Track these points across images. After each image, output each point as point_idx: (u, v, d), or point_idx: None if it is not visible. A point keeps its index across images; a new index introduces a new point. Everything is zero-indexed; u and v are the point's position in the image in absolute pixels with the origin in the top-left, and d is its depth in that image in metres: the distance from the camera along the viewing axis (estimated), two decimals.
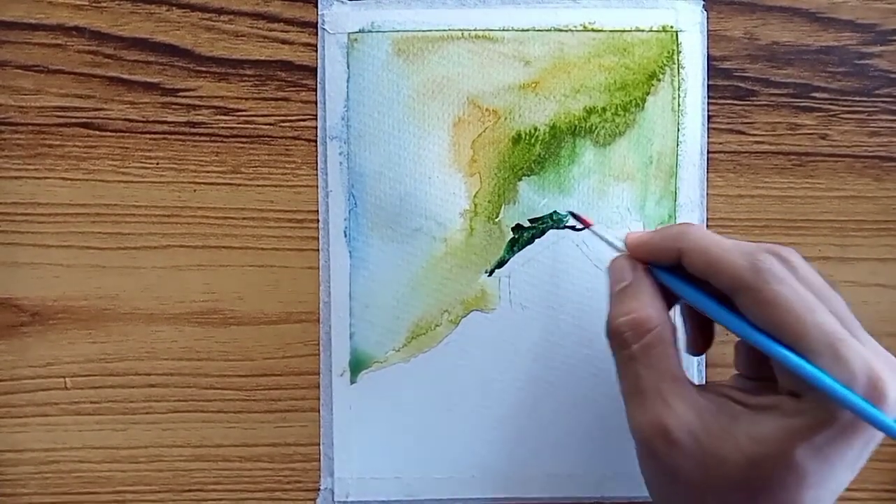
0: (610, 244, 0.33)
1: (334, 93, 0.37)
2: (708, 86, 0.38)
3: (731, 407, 0.28)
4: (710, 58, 0.38)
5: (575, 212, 0.36)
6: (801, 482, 0.27)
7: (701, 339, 0.33)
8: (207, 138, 0.38)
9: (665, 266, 0.31)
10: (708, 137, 0.38)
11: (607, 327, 0.31)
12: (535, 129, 0.37)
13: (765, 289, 0.27)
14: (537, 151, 0.37)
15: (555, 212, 0.37)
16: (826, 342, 0.26)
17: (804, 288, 0.27)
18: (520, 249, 0.37)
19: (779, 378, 0.28)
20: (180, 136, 0.38)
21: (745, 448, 0.27)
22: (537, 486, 0.38)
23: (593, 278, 0.37)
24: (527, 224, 0.37)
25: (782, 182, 0.38)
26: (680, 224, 0.31)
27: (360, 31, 0.37)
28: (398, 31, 0.37)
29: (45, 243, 0.38)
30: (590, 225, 0.34)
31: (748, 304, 0.28)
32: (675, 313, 0.33)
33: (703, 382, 0.38)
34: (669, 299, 0.31)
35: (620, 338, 0.30)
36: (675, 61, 0.37)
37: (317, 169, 0.38)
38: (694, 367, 0.38)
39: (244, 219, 0.38)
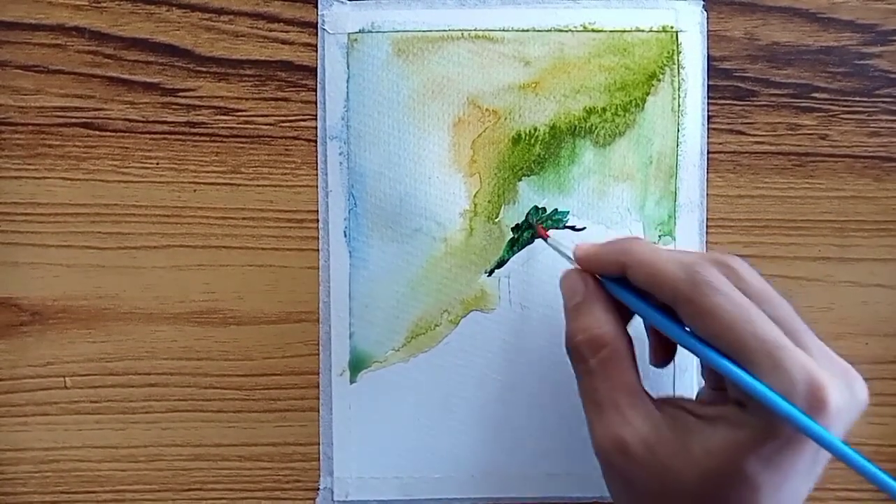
0: (564, 255, 0.33)
1: (334, 93, 0.37)
2: (708, 86, 0.38)
3: (685, 419, 0.28)
4: (710, 58, 0.38)
5: (532, 222, 0.37)
6: (754, 494, 0.27)
7: (662, 350, 0.34)
8: (207, 138, 0.38)
9: (614, 278, 0.31)
10: (708, 138, 0.38)
11: (566, 343, 0.31)
12: (535, 130, 0.37)
13: (702, 300, 0.27)
14: (537, 152, 0.37)
15: (555, 210, 0.37)
16: (764, 351, 0.26)
17: (743, 297, 0.27)
18: (520, 249, 0.37)
19: (727, 386, 0.28)
20: (180, 137, 0.38)
21: (699, 460, 0.27)
22: (537, 486, 0.38)
23: None
24: (522, 221, 0.37)
25: (782, 182, 0.38)
26: (626, 238, 0.32)
27: (360, 32, 0.37)
28: (398, 31, 0.37)
29: (45, 243, 0.38)
30: (546, 237, 0.35)
31: (688, 315, 0.28)
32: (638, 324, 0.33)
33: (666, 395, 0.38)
34: (625, 311, 0.32)
35: (578, 354, 0.31)
36: (675, 61, 0.37)
37: (317, 169, 0.38)
38: (694, 370, 0.38)
39: (244, 219, 0.38)
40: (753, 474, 0.26)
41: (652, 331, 0.34)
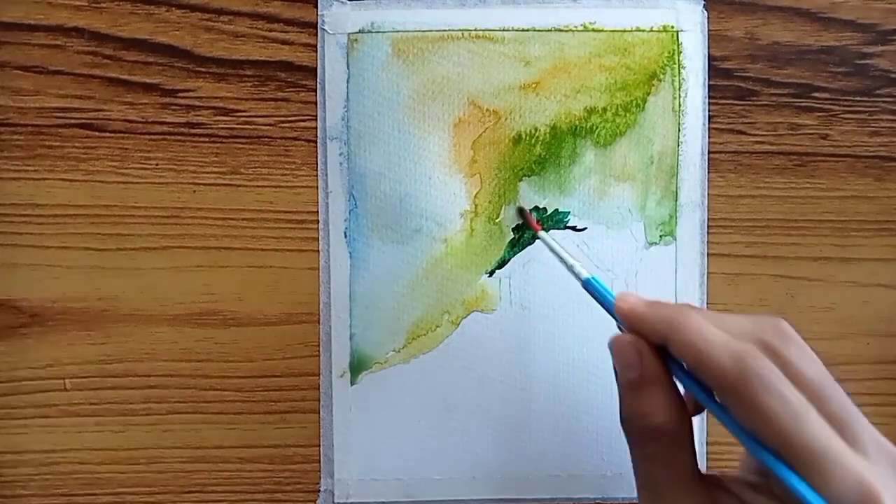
0: (556, 255, 0.33)
1: (334, 93, 0.37)
2: (709, 86, 0.38)
3: None
4: (710, 58, 0.38)
5: (527, 212, 0.36)
6: None
7: (694, 403, 0.32)
8: (207, 139, 0.38)
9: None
10: (709, 137, 0.38)
11: (622, 420, 0.30)
12: (536, 130, 0.37)
13: (750, 398, 0.26)
14: (538, 152, 0.37)
15: (556, 210, 0.37)
16: (814, 457, 0.25)
17: (794, 393, 0.26)
18: (520, 250, 0.37)
19: (772, 481, 0.27)
20: (180, 137, 0.37)
21: None
22: (537, 486, 0.38)
23: None
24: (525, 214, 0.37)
25: (783, 182, 0.38)
26: (676, 307, 0.30)
27: (359, 32, 0.37)
28: (398, 31, 0.37)
29: (45, 244, 0.37)
30: (537, 230, 0.35)
31: (734, 408, 0.27)
32: None
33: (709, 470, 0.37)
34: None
35: (636, 438, 0.29)
36: (676, 61, 0.37)
37: (317, 169, 0.38)
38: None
39: (244, 220, 0.38)
40: None
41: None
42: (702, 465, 0.38)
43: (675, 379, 0.29)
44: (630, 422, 0.29)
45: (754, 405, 0.26)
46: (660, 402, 0.29)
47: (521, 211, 0.37)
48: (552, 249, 0.34)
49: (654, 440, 0.28)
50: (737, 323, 0.28)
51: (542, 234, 0.35)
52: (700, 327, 0.28)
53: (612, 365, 0.30)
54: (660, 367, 0.29)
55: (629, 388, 0.29)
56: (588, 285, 0.32)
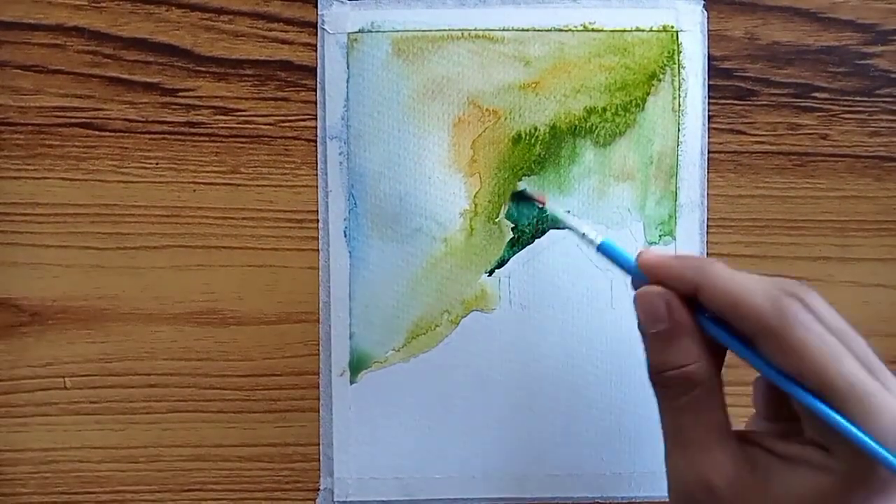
0: (570, 227, 0.32)
1: (334, 93, 0.37)
2: (708, 86, 0.38)
3: (766, 459, 0.28)
4: (710, 58, 0.38)
5: (528, 190, 0.36)
6: None
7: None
8: (207, 138, 0.38)
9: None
10: (708, 137, 0.38)
11: (651, 373, 0.29)
12: (536, 129, 0.37)
13: (790, 335, 0.26)
14: (537, 151, 0.37)
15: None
16: (854, 394, 0.25)
17: (830, 335, 0.26)
18: (520, 249, 0.37)
19: (805, 425, 0.27)
20: (180, 137, 0.37)
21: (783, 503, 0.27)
22: (537, 486, 0.38)
23: (594, 278, 0.37)
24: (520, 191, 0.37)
25: (783, 182, 0.38)
26: (700, 258, 0.30)
27: (359, 31, 0.37)
28: (398, 31, 0.37)
29: (45, 243, 0.37)
30: (543, 203, 0.35)
31: (772, 349, 0.27)
32: None
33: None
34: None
35: (667, 389, 0.29)
36: (676, 61, 0.37)
37: (316, 169, 0.38)
38: None
39: (244, 219, 0.38)
40: None
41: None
42: None
43: (713, 338, 0.29)
44: (660, 374, 0.29)
45: (794, 345, 0.26)
46: (692, 351, 0.28)
47: (521, 193, 0.37)
48: (562, 219, 0.33)
49: (687, 390, 0.28)
50: (757, 277, 0.28)
51: (550, 204, 0.35)
52: (732, 274, 0.28)
53: (635, 324, 0.30)
54: (689, 317, 0.29)
55: (659, 339, 0.29)
56: (604, 249, 0.31)
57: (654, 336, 0.29)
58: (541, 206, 0.36)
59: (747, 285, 0.27)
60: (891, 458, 0.25)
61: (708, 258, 0.30)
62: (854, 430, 0.25)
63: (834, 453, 0.26)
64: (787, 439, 0.28)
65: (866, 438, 0.25)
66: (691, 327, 0.29)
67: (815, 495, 0.26)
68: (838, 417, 0.25)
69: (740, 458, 0.28)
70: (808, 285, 0.28)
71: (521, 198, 0.37)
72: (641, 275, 0.30)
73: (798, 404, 0.27)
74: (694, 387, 0.28)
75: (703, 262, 0.29)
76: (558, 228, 0.37)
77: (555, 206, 0.35)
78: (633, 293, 0.30)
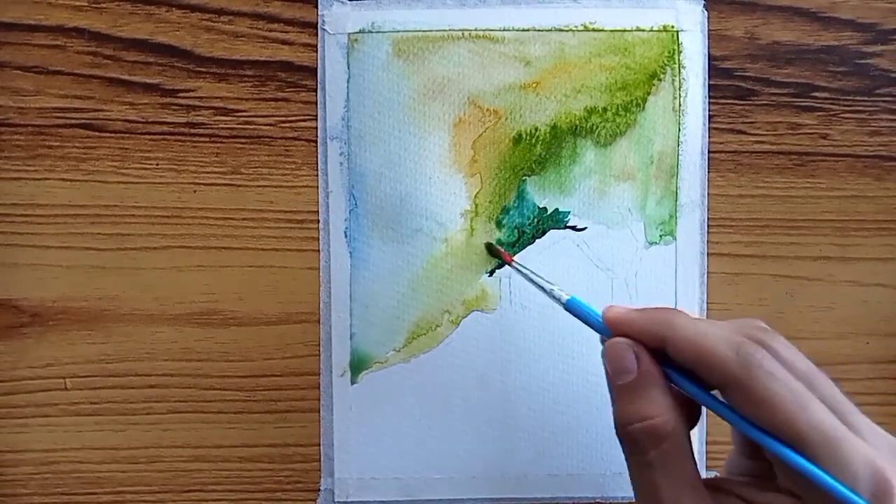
0: (535, 284, 0.33)
1: (334, 93, 0.37)
2: (709, 85, 0.38)
3: None
4: (710, 57, 0.38)
5: (494, 246, 0.37)
6: None
7: (688, 417, 0.31)
8: (207, 139, 0.38)
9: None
10: (709, 137, 0.38)
11: (617, 427, 0.29)
12: (536, 130, 0.37)
13: (756, 386, 0.26)
14: (538, 151, 0.37)
15: (556, 209, 0.37)
16: (824, 441, 0.25)
17: (796, 382, 0.26)
18: (520, 249, 0.37)
19: (777, 473, 0.27)
20: (180, 137, 0.37)
21: None
22: (537, 486, 0.38)
23: (594, 278, 0.37)
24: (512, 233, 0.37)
25: (783, 182, 0.38)
26: (665, 309, 0.29)
27: (360, 32, 0.37)
28: (398, 31, 0.37)
29: (45, 244, 0.37)
30: (510, 261, 0.35)
31: (740, 400, 0.27)
32: None
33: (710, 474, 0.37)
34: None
35: (633, 444, 0.28)
36: (676, 61, 0.37)
37: (317, 169, 0.38)
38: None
39: (244, 219, 0.38)
40: None
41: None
42: (701, 465, 0.38)
43: (680, 389, 0.29)
44: (627, 427, 0.28)
45: (760, 394, 0.26)
46: (659, 404, 0.28)
47: (489, 247, 0.37)
48: (528, 278, 0.33)
49: (655, 444, 0.28)
50: (721, 324, 0.28)
51: (515, 263, 0.35)
52: (695, 325, 0.28)
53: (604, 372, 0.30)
54: (656, 368, 0.28)
55: (626, 392, 0.29)
56: (571, 306, 0.31)
57: (621, 388, 0.29)
58: (507, 263, 0.36)
59: (711, 335, 0.27)
60: (863, 503, 0.24)
61: (672, 309, 0.30)
62: (826, 477, 0.25)
63: (806, 502, 0.26)
64: (761, 487, 0.28)
65: (838, 486, 0.24)
66: (659, 378, 0.28)
67: None
68: (810, 466, 0.25)
69: None
70: (769, 328, 0.28)
71: (489, 251, 0.37)
72: (608, 331, 0.30)
73: (769, 453, 0.26)
74: (662, 440, 0.28)
75: (667, 315, 0.29)
76: (558, 229, 0.37)
77: (519, 265, 0.34)
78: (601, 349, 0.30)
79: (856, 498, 0.24)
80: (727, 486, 0.29)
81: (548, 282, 0.33)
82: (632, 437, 0.28)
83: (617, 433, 0.29)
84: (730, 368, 0.26)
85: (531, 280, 0.33)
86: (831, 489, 0.25)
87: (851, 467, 0.25)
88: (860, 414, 0.27)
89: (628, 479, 0.38)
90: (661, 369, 0.28)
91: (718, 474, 0.37)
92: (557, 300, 0.32)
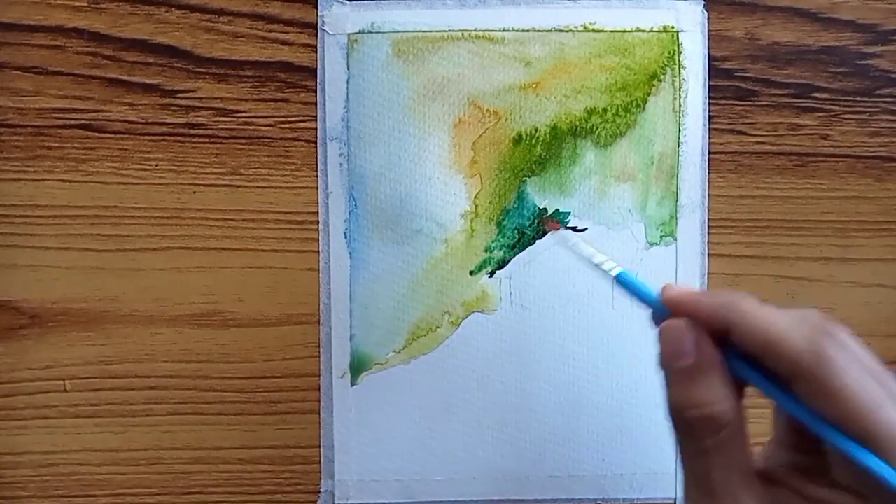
0: (580, 255, 0.31)
1: (334, 94, 0.37)
2: (709, 86, 0.38)
3: (793, 501, 0.27)
4: (710, 58, 0.38)
5: (545, 216, 0.36)
6: None
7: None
8: (207, 140, 0.37)
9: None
10: (709, 138, 0.38)
11: (672, 413, 0.28)
12: (536, 130, 0.37)
13: (831, 380, 0.25)
14: (538, 152, 0.37)
15: (556, 210, 0.37)
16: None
17: (868, 378, 0.25)
18: (521, 250, 0.37)
19: (835, 469, 0.27)
20: (180, 138, 0.37)
21: None
22: (538, 487, 0.38)
23: (594, 279, 0.37)
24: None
25: (783, 182, 0.38)
26: (730, 293, 0.28)
27: (359, 32, 0.37)
28: (398, 31, 0.37)
29: (44, 245, 0.37)
30: (556, 228, 0.34)
31: (810, 393, 0.26)
32: None
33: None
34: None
35: (689, 430, 0.27)
36: (676, 62, 0.37)
37: (317, 170, 0.38)
38: None
39: (244, 220, 0.38)
40: None
41: None
42: None
43: (745, 381, 0.28)
44: (683, 413, 0.27)
45: (833, 389, 0.25)
46: (719, 391, 0.27)
47: (540, 215, 0.36)
48: (578, 251, 0.33)
49: (712, 433, 0.27)
50: (789, 312, 0.27)
51: (563, 233, 0.34)
52: (764, 311, 0.27)
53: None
54: (717, 354, 0.27)
55: (682, 376, 0.27)
56: (622, 280, 0.30)
57: (678, 373, 0.28)
58: (554, 231, 0.35)
59: (782, 324, 0.26)
60: None
61: (737, 293, 0.29)
62: None
63: (871, 502, 0.25)
64: (814, 480, 0.27)
65: None
66: (718, 365, 0.27)
67: None
68: (880, 467, 0.24)
69: (767, 502, 0.27)
70: (833, 321, 0.27)
71: (539, 220, 0.36)
72: (663, 309, 0.29)
73: (832, 449, 0.26)
74: (720, 429, 0.27)
75: (733, 298, 0.28)
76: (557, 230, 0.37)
77: (567, 233, 0.34)
78: (653, 327, 0.29)
79: None
80: (779, 476, 0.28)
81: (599, 253, 0.31)
82: (687, 424, 0.27)
83: (671, 418, 0.28)
84: (802, 359, 0.25)
85: (581, 253, 0.32)
86: None
87: None
88: None
89: (628, 479, 0.38)
90: (721, 355, 0.27)
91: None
92: (607, 273, 0.31)
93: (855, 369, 0.25)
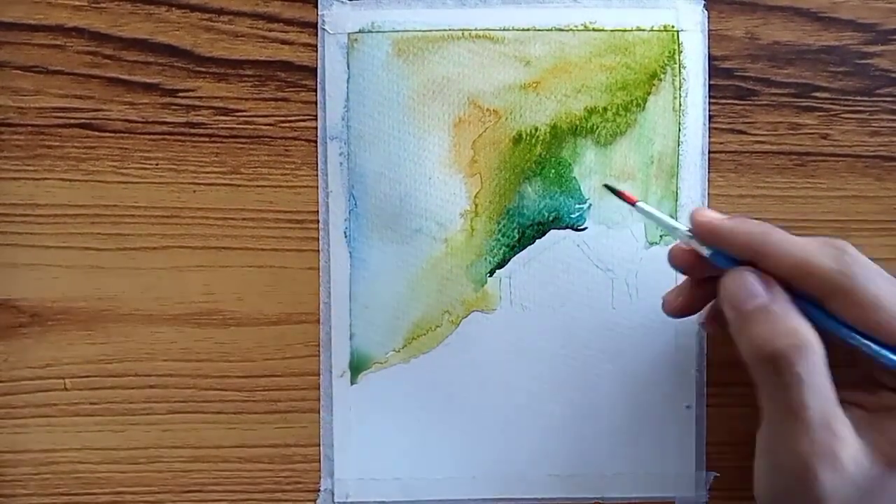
0: (662, 223, 0.32)
1: (334, 93, 0.37)
2: (709, 85, 0.38)
3: (865, 417, 0.29)
4: (710, 57, 0.38)
5: (614, 186, 0.35)
6: None
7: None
8: (207, 139, 0.37)
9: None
10: (709, 137, 0.38)
11: (753, 353, 0.29)
12: (536, 130, 0.37)
13: (859, 290, 0.27)
14: (538, 151, 0.37)
15: (575, 225, 0.37)
16: None
17: (892, 286, 0.28)
18: (520, 249, 0.37)
19: (879, 375, 0.29)
20: (180, 137, 0.37)
21: (891, 453, 0.27)
22: (537, 486, 0.38)
23: (594, 278, 0.37)
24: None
25: (783, 182, 0.38)
26: (758, 223, 0.30)
27: (359, 32, 0.37)
28: (398, 31, 0.37)
29: (44, 244, 0.37)
30: (634, 202, 0.33)
31: (844, 306, 0.27)
32: None
33: None
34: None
35: (781, 363, 0.28)
36: (676, 61, 0.37)
37: (317, 169, 0.38)
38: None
39: (244, 219, 0.38)
40: None
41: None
42: (700, 466, 0.38)
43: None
44: (771, 346, 0.28)
45: (863, 297, 0.27)
46: (800, 319, 0.28)
47: (609, 187, 0.35)
48: (653, 217, 0.33)
49: (803, 358, 0.27)
50: (812, 239, 0.29)
51: (640, 205, 0.33)
52: (793, 239, 0.29)
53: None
54: (786, 291, 0.29)
55: (759, 314, 0.29)
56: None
57: (753, 312, 0.29)
58: (630, 204, 0.34)
59: (809, 246, 0.28)
60: None
61: (763, 223, 0.30)
62: None
63: None
64: (868, 390, 0.29)
65: None
66: (788, 297, 0.29)
67: None
68: None
69: (854, 426, 0.28)
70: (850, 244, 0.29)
71: (611, 190, 0.35)
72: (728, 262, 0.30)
73: (869, 355, 0.28)
74: (811, 353, 0.28)
75: (764, 228, 0.30)
76: (558, 228, 0.37)
77: (645, 206, 0.33)
78: (703, 253, 0.31)
79: None
80: (844, 397, 0.29)
81: (672, 219, 0.33)
82: (777, 356, 0.28)
83: (752, 360, 0.29)
84: (832, 276, 0.27)
85: (655, 219, 0.33)
86: None
87: None
88: None
89: (629, 479, 0.38)
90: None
91: (718, 475, 0.38)
92: (681, 236, 0.32)
93: (880, 281, 0.27)
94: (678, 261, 0.33)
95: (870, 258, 0.38)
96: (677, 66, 0.37)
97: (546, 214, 0.37)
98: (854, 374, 0.30)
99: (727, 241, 0.30)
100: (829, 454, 0.27)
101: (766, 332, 0.28)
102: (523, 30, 0.37)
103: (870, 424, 0.28)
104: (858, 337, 0.28)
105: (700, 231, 0.31)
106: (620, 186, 0.37)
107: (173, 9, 0.37)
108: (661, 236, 0.38)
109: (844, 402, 0.28)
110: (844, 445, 0.27)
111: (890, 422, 0.28)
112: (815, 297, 0.28)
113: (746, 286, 0.29)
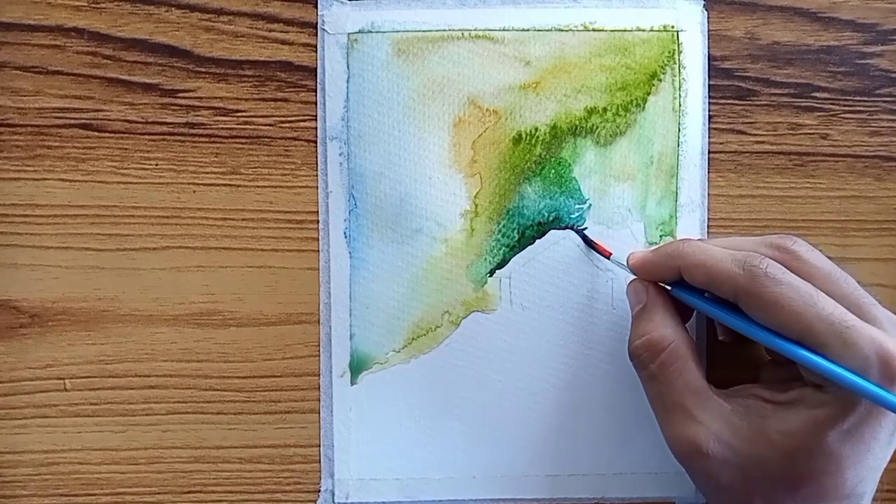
0: (626, 269, 0.34)
1: (334, 93, 0.37)
2: (709, 86, 0.38)
3: (759, 407, 0.29)
4: (710, 57, 0.38)
5: (592, 239, 0.37)
6: (839, 465, 0.27)
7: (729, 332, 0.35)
8: (207, 139, 0.37)
9: (673, 282, 0.32)
10: (709, 137, 0.38)
11: (629, 351, 0.32)
12: (536, 130, 0.37)
13: (763, 293, 0.28)
14: (538, 152, 0.37)
15: (574, 225, 0.37)
16: (832, 332, 0.27)
17: (802, 281, 0.28)
18: (520, 250, 0.37)
19: (802, 373, 0.29)
20: (179, 137, 0.37)
21: (779, 444, 0.28)
22: (537, 486, 0.38)
23: (594, 278, 0.37)
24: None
25: (783, 182, 0.38)
26: (676, 241, 0.33)
27: (359, 32, 0.37)
28: (398, 31, 0.37)
29: (44, 245, 0.37)
30: (608, 255, 0.36)
31: (751, 309, 0.29)
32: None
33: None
34: (687, 312, 0.33)
35: (638, 359, 0.32)
36: (676, 61, 0.37)
37: (317, 170, 0.38)
38: None
39: (244, 220, 0.38)
40: (836, 448, 0.27)
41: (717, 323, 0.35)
42: None
43: (698, 309, 0.32)
44: (634, 346, 0.32)
45: (768, 299, 0.28)
46: (658, 321, 0.31)
47: (583, 236, 0.37)
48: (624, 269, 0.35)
49: (654, 356, 0.31)
50: (745, 240, 0.31)
51: (615, 258, 0.36)
52: (703, 248, 0.31)
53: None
54: (661, 295, 0.32)
55: (636, 318, 0.33)
56: (673, 290, 0.33)
57: (634, 317, 0.33)
58: (606, 257, 0.36)
59: (717, 255, 0.30)
60: (867, 386, 0.26)
61: (682, 239, 0.33)
62: (828, 365, 0.27)
63: (827, 389, 0.28)
64: (786, 388, 0.30)
65: (840, 371, 0.26)
66: (663, 303, 0.32)
67: (811, 426, 0.28)
68: (813, 357, 0.27)
69: (727, 411, 0.30)
70: (792, 236, 0.31)
71: (584, 239, 0.37)
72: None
73: (787, 356, 0.29)
74: (660, 352, 0.31)
75: (676, 246, 0.32)
76: (558, 228, 0.37)
77: (618, 261, 0.36)
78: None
79: (859, 381, 0.26)
80: (747, 391, 0.31)
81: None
82: (636, 354, 0.32)
83: (630, 357, 0.32)
84: (738, 281, 0.29)
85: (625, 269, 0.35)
86: (837, 377, 0.26)
87: (860, 349, 0.26)
88: (881, 308, 0.29)
89: (629, 479, 0.38)
90: (667, 296, 0.32)
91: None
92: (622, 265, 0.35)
93: (785, 278, 0.28)
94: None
95: (870, 258, 0.38)
96: (677, 66, 0.37)
97: (546, 214, 0.37)
98: (788, 372, 0.31)
99: (656, 270, 0.33)
100: (691, 441, 0.30)
101: (633, 335, 0.32)
102: (523, 30, 0.37)
103: (770, 416, 0.29)
104: (765, 333, 0.29)
105: (638, 272, 0.33)
106: (620, 186, 0.37)
107: (173, 9, 0.37)
108: (661, 236, 0.38)
109: (752, 396, 0.30)
110: (704, 431, 0.29)
111: (787, 412, 0.29)
112: (729, 301, 0.30)
113: (633, 293, 0.33)
